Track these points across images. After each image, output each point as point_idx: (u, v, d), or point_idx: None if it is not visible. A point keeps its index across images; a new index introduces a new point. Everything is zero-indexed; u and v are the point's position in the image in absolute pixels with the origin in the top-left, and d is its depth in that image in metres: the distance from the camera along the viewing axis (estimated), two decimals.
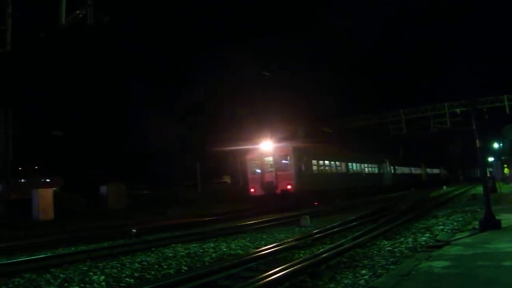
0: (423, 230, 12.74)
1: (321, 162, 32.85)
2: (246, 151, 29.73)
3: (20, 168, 46.32)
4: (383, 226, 14.21)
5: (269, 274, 7.43)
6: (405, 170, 59.57)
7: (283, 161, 28.30)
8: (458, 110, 43.06)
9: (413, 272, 6.68)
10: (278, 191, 26.82)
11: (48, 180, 52.36)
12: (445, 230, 12.20)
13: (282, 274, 7.43)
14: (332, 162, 35.27)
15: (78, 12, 16.01)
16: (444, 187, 51.78)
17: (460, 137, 66.94)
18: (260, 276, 7.34)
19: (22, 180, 50.21)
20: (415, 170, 65.77)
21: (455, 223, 13.47)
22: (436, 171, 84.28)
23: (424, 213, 18.58)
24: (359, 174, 40.31)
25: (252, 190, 28.20)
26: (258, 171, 28.50)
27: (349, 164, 38.20)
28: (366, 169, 42.95)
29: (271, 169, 27.87)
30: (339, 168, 36.37)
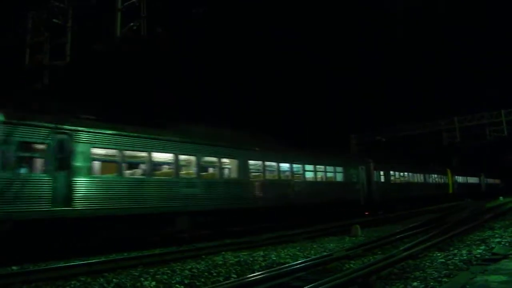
0: (478, 242, 12.35)
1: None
2: None
3: None
4: (436, 237, 13.85)
5: (318, 284, 7.42)
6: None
7: None
8: None
9: (467, 286, 6.52)
10: None
11: None
12: (502, 243, 11.78)
13: (331, 285, 7.40)
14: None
15: (132, 24, 16.60)
16: (501, 198, 49.70)
17: None
18: (309, 286, 7.33)
19: None
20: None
21: None
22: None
23: (480, 224, 17.95)
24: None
25: None
26: None
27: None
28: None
29: None
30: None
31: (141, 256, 11.95)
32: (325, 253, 11.83)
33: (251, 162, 19.33)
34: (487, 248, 11.10)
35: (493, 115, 43.04)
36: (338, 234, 17.42)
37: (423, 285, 7.47)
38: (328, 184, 24.68)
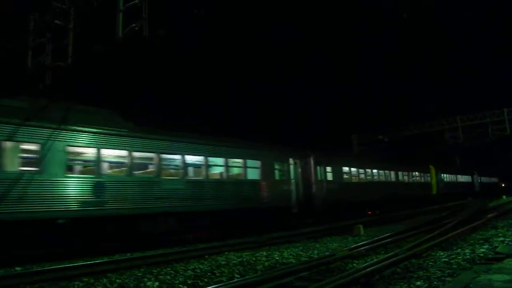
0: (481, 241, 12.33)
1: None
2: None
3: None
4: (439, 236, 13.83)
5: (321, 284, 7.42)
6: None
7: None
8: None
9: (471, 285, 6.50)
10: None
11: None
12: (505, 242, 11.75)
13: (334, 284, 7.40)
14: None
15: (134, 25, 16.60)
16: (504, 197, 49.60)
17: None
18: (313, 286, 7.33)
19: None
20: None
21: None
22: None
23: (483, 223, 17.92)
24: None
25: None
26: None
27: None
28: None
29: None
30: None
31: (144, 257, 11.97)
32: (328, 253, 11.83)
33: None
34: (490, 247, 11.08)
35: (495, 113, 42.99)
36: (341, 233, 17.42)
37: (426, 285, 7.46)
38: (232, 184, 18.34)
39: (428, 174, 41.52)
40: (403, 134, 46.82)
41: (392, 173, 34.19)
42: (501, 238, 12.57)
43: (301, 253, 12.50)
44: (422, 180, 40.50)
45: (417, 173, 39.35)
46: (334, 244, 14.17)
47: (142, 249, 13.66)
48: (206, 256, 12.29)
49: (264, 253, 12.43)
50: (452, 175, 49.99)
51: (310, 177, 22.94)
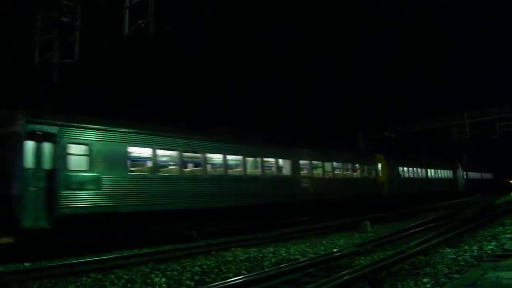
0: (489, 238, 12.27)
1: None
2: None
3: None
4: (446, 233, 13.80)
5: (328, 280, 7.42)
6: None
7: None
8: None
9: (479, 282, 6.45)
10: None
11: None
12: None
13: (341, 281, 7.40)
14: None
15: (140, 22, 16.63)
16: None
17: None
18: (319, 282, 7.33)
19: None
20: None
21: None
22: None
23: (490, 220, 17.84)
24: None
25: None
26: None
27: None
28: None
29: None
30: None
31: (152, 253, 12.01)
32: (335, 249, 11.83)
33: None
34: (498, 244, 11.03)
35: (503, 109, 42.72)
36: (348, 230, 17.39)
37: (433, 281, 7.45)
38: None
39: (373, 167, 29.13)
40: (409, 131, 46.59)
41: (274, 160, 20.54)
42: (509, 235, 12.52)
43: (308, 249, 12.50)
44: (359, 175, 27.46)
45: (339, 163, 25.51)
46: (341, 241, 14.17)
47: (150, 246, 13.71)
48: (213, 252, 12.32)
49: (271, 249, 12.45)
50: (419, 169, 37.50)
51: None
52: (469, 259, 9.27)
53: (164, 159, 15.68)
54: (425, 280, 7.62)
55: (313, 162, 22.77)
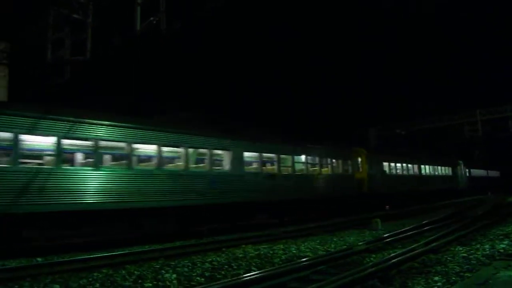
0: (501, 237, 12.17)
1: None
2: None
3: None
4: (457, 231, 13.70)
5: (338, 277, 7.40)
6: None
7: None
8: None
9: (490, 281, 6.41)
10: None
11: None
12: None
13: (351, 279, 7.38)
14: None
15: (152, 18, 16.70)
16: None
17: None
18: (330, 280, 7.32)
19: None
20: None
21: None
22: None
23: (502, 218, 17.69)
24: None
25: None
26: None
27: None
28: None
29: None
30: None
31: (163, 249, 12.06)
32: (345, 247, 11.81)
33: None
34: (510, 243, 10.93)
35: None
36: (358, 227, 17.35)
37: (444, 280, 7.40)
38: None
39: (348, 162, 25.32)
40: (421, 128, 46.29)
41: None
42: None
43: (318, 246, 12.48)
44: (330, 172, 23.55)
45: (313, 158, 22.53)
46: (352, 238, 14.13)
47: (160, 242, 13.78)
48: (224, 249, 12.35)
49: (281, 246, 12.46)
50: (410, 165, 33.92)
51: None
52: (481, 258, 9.19)
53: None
54: (436, 278, 7.57)
55: (264, 154, 19.18)
